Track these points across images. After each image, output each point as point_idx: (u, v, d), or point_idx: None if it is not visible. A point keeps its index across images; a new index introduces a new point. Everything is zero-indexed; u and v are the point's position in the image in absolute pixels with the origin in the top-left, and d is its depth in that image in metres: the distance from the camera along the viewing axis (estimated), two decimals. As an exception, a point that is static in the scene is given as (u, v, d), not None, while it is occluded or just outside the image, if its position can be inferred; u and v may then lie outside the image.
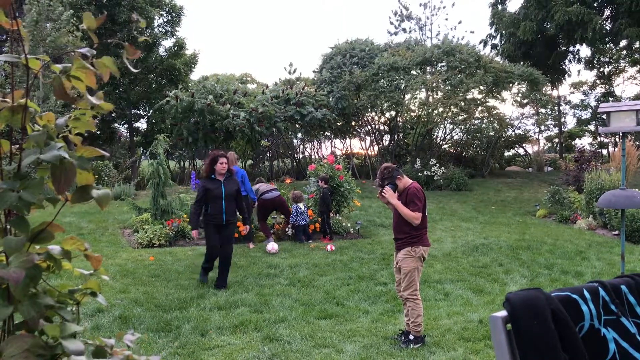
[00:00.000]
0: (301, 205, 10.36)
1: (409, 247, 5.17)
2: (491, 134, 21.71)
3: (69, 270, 1.39)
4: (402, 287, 5.23)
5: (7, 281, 1.11)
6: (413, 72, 19.36)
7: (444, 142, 22.86)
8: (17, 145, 1.20)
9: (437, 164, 19.19)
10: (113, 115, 22.58)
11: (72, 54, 1.18)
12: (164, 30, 23.91)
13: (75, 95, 1.31)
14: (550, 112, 28.42)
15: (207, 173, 7.22)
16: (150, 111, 23.87)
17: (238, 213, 7.49)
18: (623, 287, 1.61)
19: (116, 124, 24.40)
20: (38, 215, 1.68)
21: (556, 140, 29.54)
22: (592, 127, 28.70)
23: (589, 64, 27.24)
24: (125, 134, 25.34)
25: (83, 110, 1.24)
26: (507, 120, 21.96)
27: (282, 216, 10.88)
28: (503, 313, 1.44)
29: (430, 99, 19.26)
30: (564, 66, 26.61)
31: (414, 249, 5.16)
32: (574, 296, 1.53)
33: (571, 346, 1.40)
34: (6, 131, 1.26)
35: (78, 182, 1.24)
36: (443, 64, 19.23)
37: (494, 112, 20.71)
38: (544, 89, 21.52)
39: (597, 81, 28.74)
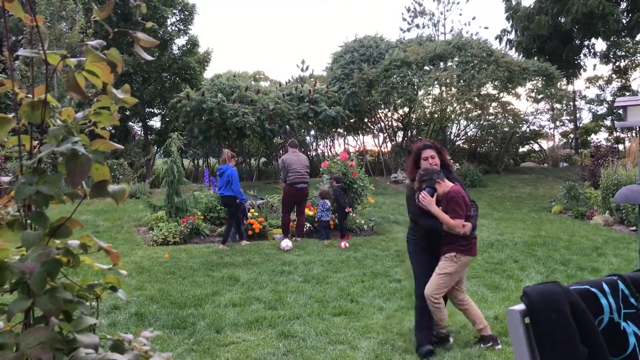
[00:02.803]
0: (328, 201, 10.40)
1: (454, 252, 4.73)
2: (505, 129, 21.57)
3: (90, 265, 1.40)
4: (429, 285, 4.78)
5: (25, 274, 1.12)
6: (425, 67, 19.29)
7: (458, 139, 22.75)
8: (38, 142, 1.21)
9: (452, 160, 19.07)
10: (127, 113, 22.76)
11: (84, 47, 1.18)
12: (176, 28, 24.02)
13: (92, 92, 1.32)
14: (565, 108, 28.13)
15: (412, 175, 5.02)
16: (165, 109, 24.02)
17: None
18: (643, 280, 1.60)
19: (130, 123, 24.59)
20: (57, 212, 1.70)
21: (571, 135, 29.25)
22: (608, 122, 28.37)
23: (605, 58, 26.92)
24: (139, 133, 25.53)
25: (104, 104, 1.25)
26: (522, 115, 21.79)
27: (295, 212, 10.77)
28: (521, 306, 1.43)
29: (444, 95, 19.17)
30: (579, 60, 26.35)
31: (459, 257, 4.73)
32: (593, 289, 1.51)
33: (590, 340, 1.38)
34: (26, 129, 1.27)
35: (95, 178, 1.25)
36: (456, 59, 19.14)
37: (508, 108, 20.57)
38: (559, 84, 21.33)
39: (613, 75, 28.41)
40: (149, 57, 1.27)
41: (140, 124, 25.14)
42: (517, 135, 23.44)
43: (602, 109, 28.99)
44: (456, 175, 5.17)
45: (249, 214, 10.66)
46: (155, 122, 26.46)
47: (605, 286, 1.53)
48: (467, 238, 4.75)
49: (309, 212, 10.95)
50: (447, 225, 4.64)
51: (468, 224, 4.71)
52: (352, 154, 18.30)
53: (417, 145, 5.14)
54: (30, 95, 1.18)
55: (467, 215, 4.75)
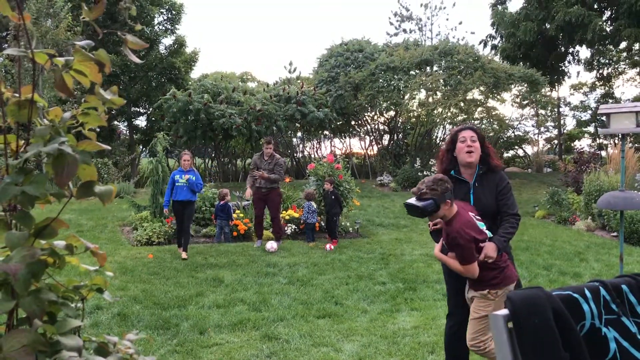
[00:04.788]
0: (313, 203, 10.34)
1: (487, 289, 3.60)
2: (491, 134, 21.73)
3: (75, 266, 1.39)
4: (467, 333, 3.71)
5: (9, 275, 1.11)
6: (412, 72, 19.39)
7: (443, 143, 22.86)
8: (25, 142, 1.20)
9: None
10: (113, 112, 22.61)
11: (72, 46, 1.18)
12: (164, 28, 23.92)
13: (77, 92, 1.31)
14: (549, 114, 28.43)
15: (443, 164, 4.05)
16: (150, 109, 23.90)
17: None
18: (624, 286, 1.62)
19: (116, 122, 24.42)
20: (41, 212, 1.68)
21: (555, 141, 29.55)
22: (591, 129, 28.72)
23: (589, 66, 27.26)
24: (125, 132, 25.36)
25: (91, 104, 1.24)
26: (507, 121, 21.97)
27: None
28: (504, 311, 1.44)
29: (430, 99, 19.28)
30: (563, 67, 26.63)
31: (495, 292, 3.58)
32: (575, 295, 1.53)
33: (572, 345, 1.40)
34: (15, 128, 1.26)
35: (82, 178, 1.24)
36: (443, 64, 19.26)
37: (493, 113, 20.73)
38: (543, 90, 21.55)
39: (597, 83, 28.76)
40: (137, 60, 1.27)
41: (125, 123, 24.98)
42: (502, 140, 23.64)
43: (585, 116, 29.34)
44: (503, 175, 4.02)
45: (234, 215, 10.62)
46: (141, 122, 26.34)
47: (587, 292, 1.55)
48: (493, 269, 3.59)
49: (294, 214, 10.94)
50: (457, 271, 3.63)
51: (488, 245, 3.59)
52: (338, 156, 18.33)
53: (455, 128, 4.11)
54: (17, 94, 1.17)
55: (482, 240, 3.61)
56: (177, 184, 8.86)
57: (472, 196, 3.90)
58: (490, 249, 3.55)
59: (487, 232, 3.69)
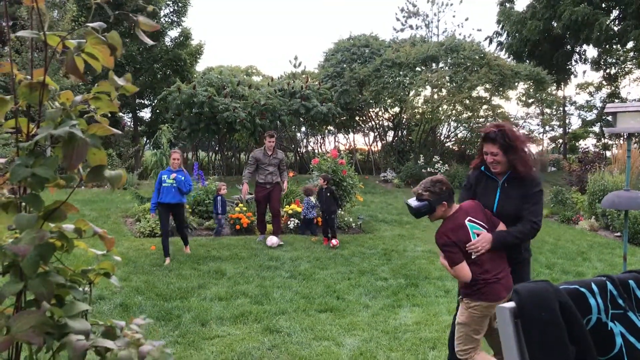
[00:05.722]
0: (312, 198, 10.26)
1: (461, 295, 3.68)
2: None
3: (84, 253, 1.39)
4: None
5: (18, 257, 1.11)
6: (417, 68, 19.34)
7: (447, 140, 22.84)
8: (35, 124, 1.20)
9: (441, 162, 19.18)
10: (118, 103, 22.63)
11: (85, 29, 1.17)
12: (170, 20, 23.90)
13: (88, 76, 1.31)
14: (555, 113, 28.35)
15: (475, 163, 3.98)
16: (155, 101, 23.92)
17: None
18: (631, 282, 1.62)
19: (120, 113, 24.45)
20: (51, 197, 1.68)
21: (560, 140, 29.48)
22: (596, 129, 28.63)
23: (595, 65, 27.15)
24: (129, 123, 25.38)
25: (103, 89, 1.23)
26: (512, 119, 21.89)
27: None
28: (511, 304, 1.44)
29: (435, 96, 19.23)
30: (570, 66, 26.53)
31: (468, 302, 3.58)
32: (582, 289, 1.53)
33: (578, 338, 1.40)
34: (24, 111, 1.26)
35: (91, 162, 1.24)
36: (448, 60, 19.20)
37: (498, 111, 20.67)
38: (549, 89, 21.48)
39: (603, 82, 28.65)
40: (150, 41, 1.26)
41: (130, 115, 24.99)
42: (507, 138, 23.49)
43: (591, 115, 29.24)
44: (536, 182, 3.72)
45: (237, 209, 10.62)
46: (145, 114, 26.34)
47: (594, 286, 1.55)
48: (477, 278, 3.50)
49: (297, 208, 10.94)
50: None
51: (485, 235, 3.52)
52: (342, 151, 18.32)
53: (482, 131, 3.85)
54: (29, 77, 1.16)
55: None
56: (164, 184, 8.18)
57: (499, 195, 3.76)
58: (484, 238, 3.49)
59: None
